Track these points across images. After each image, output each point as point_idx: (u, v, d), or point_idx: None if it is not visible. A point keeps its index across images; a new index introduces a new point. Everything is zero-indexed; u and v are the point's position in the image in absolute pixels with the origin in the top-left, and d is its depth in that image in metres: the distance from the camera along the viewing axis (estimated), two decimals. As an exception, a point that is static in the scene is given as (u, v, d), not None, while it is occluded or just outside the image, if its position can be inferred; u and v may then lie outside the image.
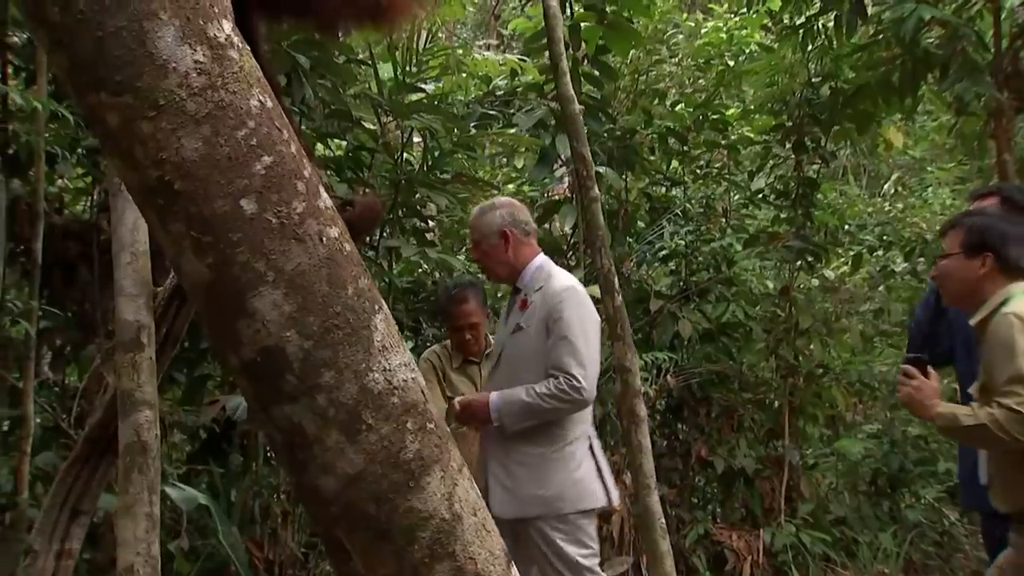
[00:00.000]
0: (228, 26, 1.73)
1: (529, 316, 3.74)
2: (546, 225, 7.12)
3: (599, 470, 3.76)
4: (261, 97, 1.73)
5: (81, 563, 2.92)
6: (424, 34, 6.75)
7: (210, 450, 5.55)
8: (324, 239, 1.72)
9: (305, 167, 1.76)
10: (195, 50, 1.66)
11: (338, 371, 1.69)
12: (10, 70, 5.02)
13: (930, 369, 3.33)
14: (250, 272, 1.66)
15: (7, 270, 4.64)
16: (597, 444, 3.83)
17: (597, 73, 6.87)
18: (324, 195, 1.78)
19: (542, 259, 3.88)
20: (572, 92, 4.73)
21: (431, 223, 7.46)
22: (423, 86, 6.75)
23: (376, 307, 1.77)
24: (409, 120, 6.33)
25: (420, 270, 7.22)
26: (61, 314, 5.27)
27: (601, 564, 3.84)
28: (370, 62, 6.45)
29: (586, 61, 6.82)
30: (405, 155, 6.77)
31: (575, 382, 3.58)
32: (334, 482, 1.70)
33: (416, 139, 7.05)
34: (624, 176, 7.43)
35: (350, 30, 2.62)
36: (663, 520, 4.43)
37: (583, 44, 6.74)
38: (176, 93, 1.64)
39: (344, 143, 6.93)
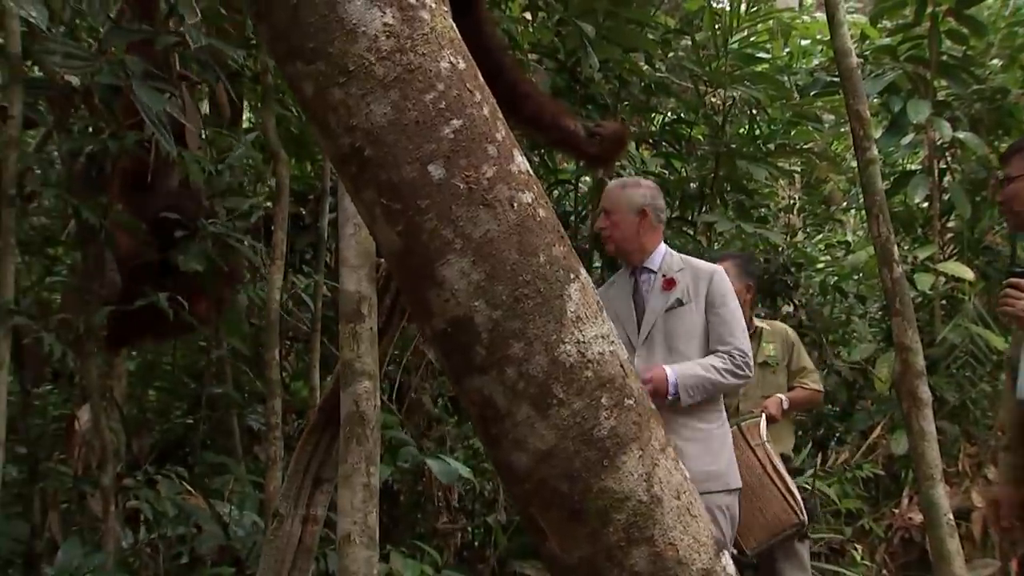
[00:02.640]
0: (420, -14, 1.68)
1: (684, 293, 3.81)
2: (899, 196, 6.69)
3: None
4: (452, 58, 1.68)
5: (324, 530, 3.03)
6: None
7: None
8: (515, 205, 1.65)
9: (498, 130, 1.69)
10: (384, 12, 1.63)
11: (528, 342, 1.61)
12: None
13: None
14: (438, 240, 1.62)
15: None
16: None
17: (963, 29, 6.32)
18: (518, 158, 1.70)
19: (667, 247, 3.97)
20: (849, 45, 4.37)
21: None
22: (760, 54, 6.56)
23: (571, 276, 1.67)
24: (730, 90, 6.19)
25: (756, 247, 7.00)
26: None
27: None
28: (687, 30, 6.33)
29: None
30: (730, 128, 6.64)
31: (747, 358, 3.75)
32: (526, 458, 1.63)
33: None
34: (996, 142, 6.83)
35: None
36: (950, 516, 4.04)
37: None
38: (365, 58, 1.62)
39: (661, 116, 6.90)
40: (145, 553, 4.29)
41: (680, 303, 3.80)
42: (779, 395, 4.83)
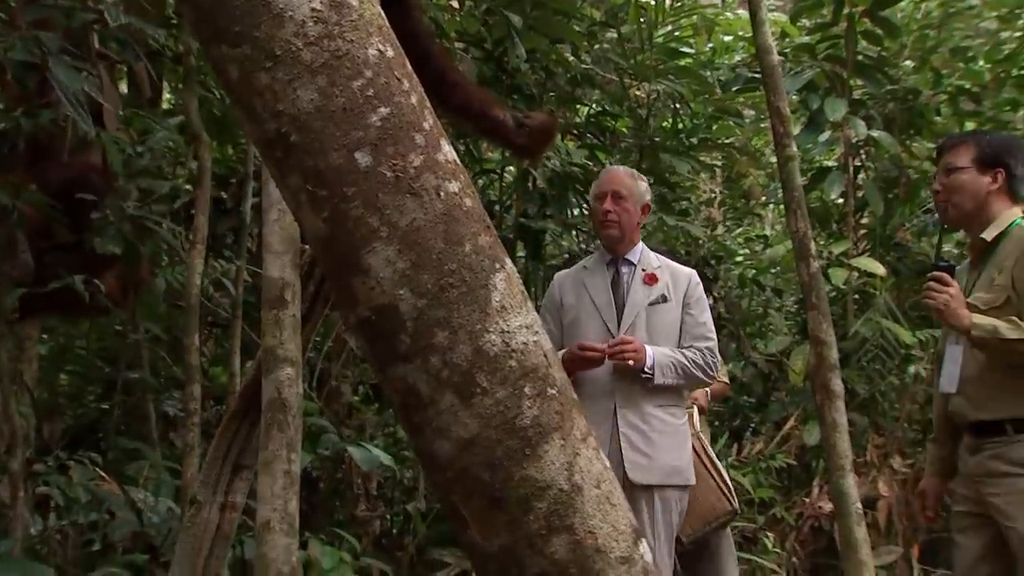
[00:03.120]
0: (348, -27, 1.67)
1: (665, 290, 3.91)
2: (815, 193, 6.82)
3: None
4: (381, 46, 1.67)
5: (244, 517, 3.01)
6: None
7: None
8: (442, 194, 1.65)
9: (426, 119, 1.69)
10: (312, -2, 1.61)
11: (452, 331, 1.61)
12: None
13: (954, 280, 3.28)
14: (364, 227, 1.61)
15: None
16: None
17: (878, 30, 6.44)
18: (446, 148, 1.70)
19: (643, 244, 4.08)
20: (771, 43, 4.47)
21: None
22: (684, 49, 6.62)
23: (497, 265, 1.68)
24: (654, 84, 6.24)
25: (677, 239, 7.08)
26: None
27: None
28: (612, 23, 6.36)
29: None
30: (654, 121, 6.69)
31: (717, 360, 3.92)
32: (448, 446, 1.64)
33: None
34: (908, 141, 6.99)
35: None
36: (859, 505, 4.16)
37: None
38: (292, 43, 1.60)
39: (586, 108, 6.93)
40: (55, 540, 4.20)
41: (664, 299, 3.90)
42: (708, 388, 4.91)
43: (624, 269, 3.97)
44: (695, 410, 4.55)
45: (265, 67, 1.61)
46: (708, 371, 3.88)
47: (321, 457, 4.84)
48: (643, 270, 3.95)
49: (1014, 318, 3.17)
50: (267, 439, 2.29)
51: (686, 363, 3.81)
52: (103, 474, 4.45)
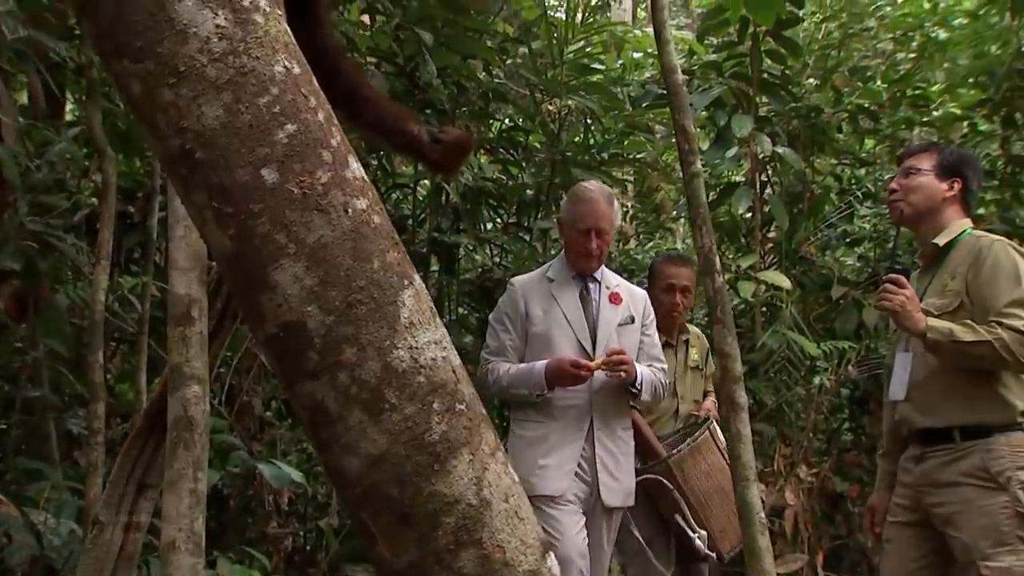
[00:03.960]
0: (254, -11, 1.67)
1: (629, 310, 3.97)
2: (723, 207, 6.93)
3: None
4: (287, 63, 1.67)
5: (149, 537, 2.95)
6: (581, 11, 6.64)
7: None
8: (349, 210, 1.65)
9: (333, 136, 1.69)
10: (216, 14, 1.61)
11: (360, 348, 1.62)
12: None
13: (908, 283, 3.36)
14: (271, 244, 1.61)
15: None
16: None
17: (781, 49, 6.59)
18: (353, 164, 1.70)
19: None
20: (675, 63, 4.52)
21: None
22: (595, 65, 6.68)
23: (405, 282, 1.69)
24: (566, 99, 6.29)
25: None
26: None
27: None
28: (524, 38, 6.40)
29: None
30: (566, 136, 6.73)
31: (667, 379, 4.06)
32: (357, 463, 1.64)
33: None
34: (812, 157, 7.16)
35: None
36: (762, 515, 4.24)
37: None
38: (196, 59, 1.59)
39: (498, 123, 6.95)
40: (-53, 566, 4.06)
41: (632, 320, 3.96)
42: (711, 398, 4.97)
43: (591, 286, 3.98)
44: (714, 424, 4.58)
45: (168, 83, 1.60)
46: (665, 391, 4.06)
47: (231, 474, 4.77)
48: (607, 288, 3.97)
49: (968, 321, 3.23)
50: (173, 458, 2.25)
51: (660, 381, 3.94)
52: (0, 496, 4.31)
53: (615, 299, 3.95)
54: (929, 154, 3.56)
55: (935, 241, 3.47)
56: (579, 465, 3.78)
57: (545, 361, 3.75)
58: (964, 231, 3.46)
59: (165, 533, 2.33)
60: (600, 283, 3.99)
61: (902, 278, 3.33)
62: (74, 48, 4.46)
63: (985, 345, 3.15)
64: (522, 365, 3.82)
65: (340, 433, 1.64)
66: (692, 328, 5.14)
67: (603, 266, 4.05)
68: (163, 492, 2.37)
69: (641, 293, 4.10)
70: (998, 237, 3.42)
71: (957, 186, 3.49)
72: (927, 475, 3.35)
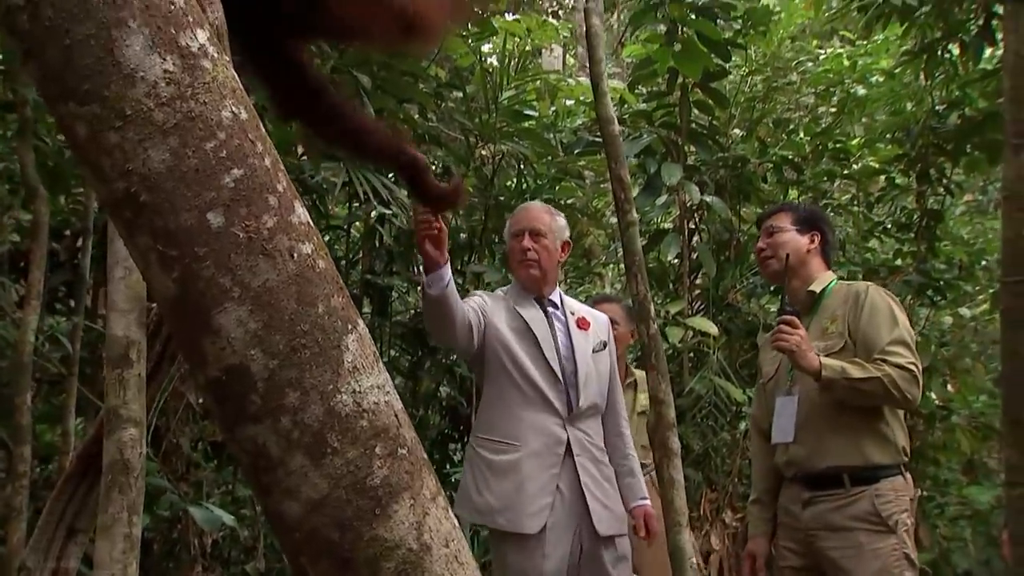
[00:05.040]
0: (203, 35, 1.68)
1: (598, 335, 3.87)
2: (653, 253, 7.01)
3: None
4: (235, 108, 1.68)
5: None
6: (517, 58, 6.72)
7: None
8: (295, 255, 1.67)
9: (279, 181, 1.71)
10: (164, 59, 1.62)
11: (304, 392, 1.62)
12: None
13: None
14: (215, 288, 1.61)
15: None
16: None
17: (709, 100, 6.74)
18: (299, 210, 1.72)
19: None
20: (612, 113, 4.63)
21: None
22: (528, 112, 6.76)
23: (349, 327, 1.70)
24: (499, 144, 6.35)
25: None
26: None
27: None
28: (459, 85, 6.46)
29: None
30: (499, 180, 6.78)
31: None
32: (298, 507, 1.64)
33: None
34: (738, 206, 7.31)
35: (385, 45, 2.58)
36: (694, 560, 4.29)
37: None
38: (143, 103, 1.60)
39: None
40: None
41: (604, 345, 3.87)
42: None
43: (552, 311, 3.83)
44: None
45: (115, 126, 1.60)
46: None
47: (157, 518, 4.69)
48: (572, 313, 3.85)
49: (856, 360, 3.41)
50: (107, 502, 2.22)
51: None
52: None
53: (583, 324, 3.83)
54: (786, 213, 3.81)
55: (811, 289, 3.69)
56: (561, 493, 3.61)
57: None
58: (832, 280, 3.72)
59: (96, 579, 2.29)
60: (562, 307, 3.87)
61: (795, 319, 3.49)
62: (4, 84, 4.41)
63: (874, 381, 3.33)
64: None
65: (281, 478, 1.64)
66: (637, 372, 5.16)
67: (559, 291, 3.94)
68: (95, 537, 2.33)
69: (603, 317, 4.00)
70: (867, 283, 3.70)
71: (817, 239, 3.74)
72: (819, 519, 3.47)
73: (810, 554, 3.50)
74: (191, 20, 1.68)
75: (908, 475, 3.53)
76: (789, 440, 3.58)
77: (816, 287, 3.68)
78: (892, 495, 3.41)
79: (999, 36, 6.26)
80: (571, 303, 3.95)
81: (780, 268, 3.69)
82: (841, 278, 3.92)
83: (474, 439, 3.78)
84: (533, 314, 3.78)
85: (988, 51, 6.47)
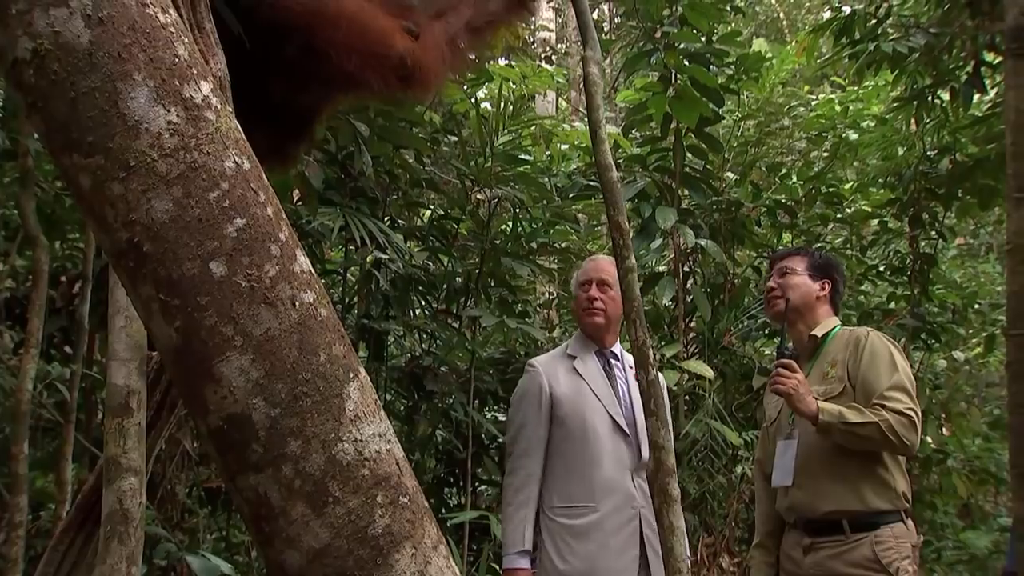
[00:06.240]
0: (206, 87, 1.71)
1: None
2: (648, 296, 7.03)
3: None
4: (237, 159, 1.70)
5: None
6: (512, 103, 6.78)
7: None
8: (297, 304, 1.68)
9: (282, 230, 1.72)
10: (168, 111, 1.64)
11: (305, 440, 1.63)
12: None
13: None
14: (217, 337, 1.62)
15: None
16: None
17: (702, 145, 6.80)
18: (301, 258, 1.73)
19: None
20: (610, 160, 4.56)
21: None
22: (523, 156, 6.81)
23: (351, 375, 1.71)
24: (495, 189, 6.38)
25: (517, 341, 7.19)
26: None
27: None
28: (455, 130, 6.51)
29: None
30: (496, 225, 6.81)
31: None
32: (299, 557, 1.63)
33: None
34: (732, 250, 7.35)
35: (383, 94, 2.58)
36: (694, 606, 4.27)
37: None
38: (147, 154, 1.62)
39: (429, 211, 7.02)
40: None
41: None
42: None
43: (614, 362, 3.88)
44: None
45: (119, 177, 1.62)
46: None
47: (153, 567, 4.65)
48: (630, 367, 3.84)
49: (855, 404, 3.41)
50: (106, 552, 2.20)
51: None
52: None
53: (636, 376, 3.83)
54: (801, 257, 3.84)
55: (814, 333, 3.72)
56: (633, 551, 3.64)
57: (520, 563, 3.62)
58: (835, 327, 3.74)
59: (94, 630, 2.27)
60: (622, 360, 3.91)
61: (793, 363, 3.52)
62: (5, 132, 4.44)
63: (872, 426, 3.33)
64: (514, 528, 3.64)
65: (282, 527, 1.63)
66: None
67: (620, 344, 3.98)
68: (93, 587, 2.32)
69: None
70: (869, 328, 3.72)
71: (828, 287, 3.78)
72: (819, 565, 3.47)
73: None
74: (195, 72, 1.70)
75: (910, 521, 3.52)
76: (788, 483, 3.57)
77: (819, 331, 3.71)
78: (892, 541, 3.40)
79: (988, 83, 6.35)
80: (629, 357, 3.92)
81: (787, 310, 3.73)
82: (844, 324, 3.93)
83: (549, 510, 3.74)
84: (592, 369, 3.83)
85: (977, 97, 6.55)
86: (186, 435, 4.93)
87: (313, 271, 1.77)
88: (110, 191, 1.62)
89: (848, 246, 8.22)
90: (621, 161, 7.22)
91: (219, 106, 1.72)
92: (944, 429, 7.79)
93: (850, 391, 3.51)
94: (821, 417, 3.38)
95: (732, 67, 6.94)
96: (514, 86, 7.00)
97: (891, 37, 6.51)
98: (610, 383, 3.82)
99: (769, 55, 7.86)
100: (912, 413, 3.36)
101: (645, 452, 3.71)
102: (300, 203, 5.52)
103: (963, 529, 7.60)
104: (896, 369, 3.46)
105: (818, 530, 3.49)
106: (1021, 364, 1.53)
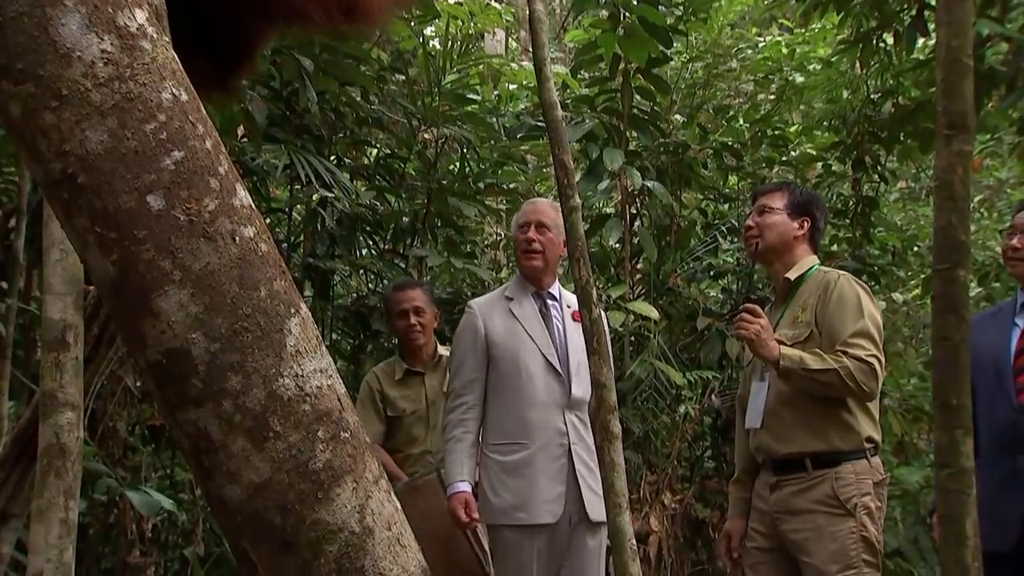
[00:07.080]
0: (141, 15, 1.66)
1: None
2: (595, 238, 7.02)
3: None
4: (175, 90, 1.67)
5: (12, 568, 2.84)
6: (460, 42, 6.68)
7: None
8: (237, 238, 1.66)
9: (221, 163, 1.69)
10: (102, 39, 1.60)
11: (246, 375, 1.62)
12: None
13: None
14: (155, 270, 1.60)
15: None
16: None
17: (651, 86, 6.76)
18: (241, 192, 1.71)
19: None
20: (555, 99, 4.52)
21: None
22: (472, 96, 6.72)
23: (292, 310, 1.70)
24: (442, 128, 6.32)
25: (464, 282, 7.17)
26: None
27: None
28: (402, 68, 6.41)
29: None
30: (442, 164, 6.75)
31: None
32: (239, 491, 1.63)
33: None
34: (679, 192, 7.35)
35: (326, 28, 2.53)
36: (634, 542, 4.32)
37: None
38: (80, 83, 1.58)
39: (375, 150, 6.93)
40: None
41: None
42: None
43: (551, 303, 3.92)
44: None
45: (51, 106, 1.58)
46: None
47: (93, 502, 4.62)
48: (568, 306, 3.91)
49: (818, 351, 3.42)
50: (43, 486, 2.19)
51: None
52: None
53: (576, 317, 3.87)
54: (781, 193, 3.76)
55: (787, 276, 3.67)
56: (564, 485, 3.72)
57: (461, 487, 3.70)
58: (812, 267, 3.69)
59: (32, 564, 2.25)
60: (559, 300, 3.94)
61: (758, 308, 3.51)
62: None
63: (831, 372, 3.35)
64: (453, 460, 3.74)
65: (223, 461, 1.63)
66: (445, 350, 4.96)
67: (558, 283, 4.00)
68: (30, 522, 2.30)
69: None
70: (843, 272, 3.65)
71: (807, 225, 3.70)
72: (782, 502, 3.51)
73: (775, 536, 3.53)
74: (129, 0, 1.66)
75: (876, 459, 3.55)
76: (757, 426, 3.60)
77: (793, 274, 3.67)
78: (853, 478, 3.43)
79: (932, 27, 6.38)
80: (568, 296, 3.97)
81: (761, 249, 3.70)
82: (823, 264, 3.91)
83: (485, 447, 3.85)
84: (528, 310, 3.89)
85: (921, 41, 6.58)
86: (128, 372, 4.88)
87: (253, 205, 1.75)
88: (42, 120, 1.58)
89: (793, 188, 8.28)
90: (569, 102, 7.17)
91: (155, 35, 1.68)
92: (881, 369, 7.94)
93: (817, 336, 3.50)
94: (782, 363, 3.39)
95: (680, 8, 6.91)
96: (462, 24, 6.90)
97: (837, -23, 6.51)
98: (545, 324, 3.88)
99: (718, -5, 7.82)
100: (873, 360, 3.38)
101: (577, 390, 3.77)
102: (244, 139, 5.44)
103: (897, 466, 7.79)
104: (862, 315, 3.45)
105: (782, 468, 3.52)
106: (945, 298, 1.55)
